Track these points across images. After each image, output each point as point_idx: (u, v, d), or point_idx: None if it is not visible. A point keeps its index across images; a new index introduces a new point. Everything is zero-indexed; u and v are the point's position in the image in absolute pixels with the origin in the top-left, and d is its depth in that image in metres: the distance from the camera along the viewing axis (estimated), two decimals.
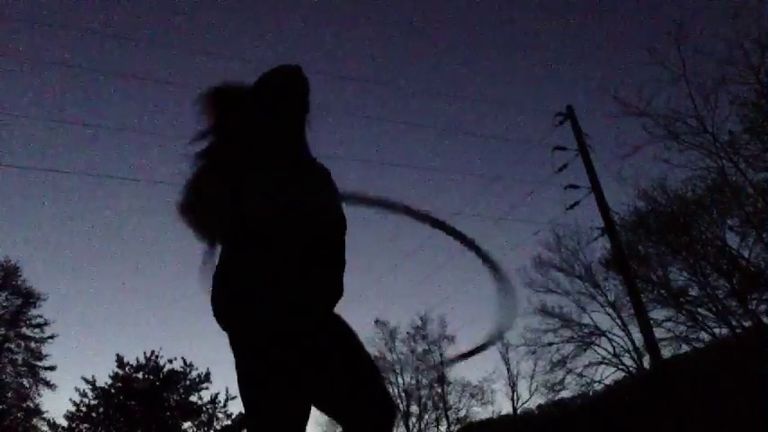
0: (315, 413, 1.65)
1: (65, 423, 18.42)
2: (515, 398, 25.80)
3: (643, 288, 16.67)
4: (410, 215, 2.26)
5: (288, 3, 52.58)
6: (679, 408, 11.65)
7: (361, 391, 1.60)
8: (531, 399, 25.11)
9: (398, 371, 28.72)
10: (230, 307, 1.60)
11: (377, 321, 28.86)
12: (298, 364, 1.53)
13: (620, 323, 19.78)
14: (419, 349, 28.50)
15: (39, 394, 21.79)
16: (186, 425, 19.12)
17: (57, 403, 50.56)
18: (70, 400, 18.52)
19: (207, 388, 19.46)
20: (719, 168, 14.79)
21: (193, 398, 19.38)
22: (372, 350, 28.57)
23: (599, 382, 20.34)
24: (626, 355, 19.71)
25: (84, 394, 18.61)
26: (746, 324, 15.94)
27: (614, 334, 20.09)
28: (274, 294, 1.54)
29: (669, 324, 17.69)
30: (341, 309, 1.79)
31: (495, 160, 40.57)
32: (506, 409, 30.50)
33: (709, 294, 16.71)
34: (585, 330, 20.83)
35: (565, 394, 21.94)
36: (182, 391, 19.36)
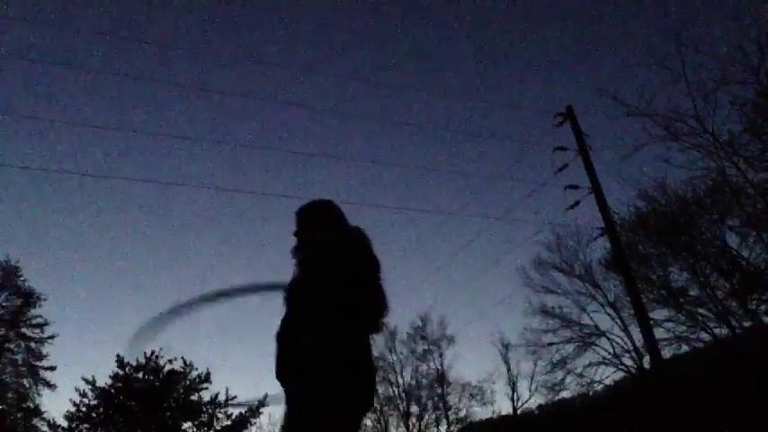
0: None
1: (65, 423, 18.39)
2: (515, 398, 25.80)
3: (643, 288, 16.66)
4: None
5: (288, 2, 52.58)
6: (679, 408, 11.64)
7: None
8: (531, 399, 25.11)
9: (398, 371, 28.74)
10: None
11: None
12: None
13: (620, 323, 19.78)
14: (419, 349, 28.50)
15: (39, 394, 21.73)
16: (186, 425, 19.09)
17: (57, 403, 50.52)
18: (70, 400, 18.46)
19: (207, 388, 19.40)
20: (719, 168, 14.79)
21: (193, 398, 19.36)
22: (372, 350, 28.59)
23: (599, 382, 20.35)
24: (626, 355, 19.71)
25: (84, 394, 18.57)
26: (746, 324, 15.93)
27: (614, 334, 20.10)
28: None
29: (669, 324, 17.70)
30: None
31: (495, 160, 40.59)
32: (506, 409, 30.52)
33: (710, 294, 16.69)
34: (585, 330, 20.84)
35: (565, 394, 21.94)
36: (182, 391, 19.33)
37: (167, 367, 19.31)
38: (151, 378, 19.02)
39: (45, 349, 22.07)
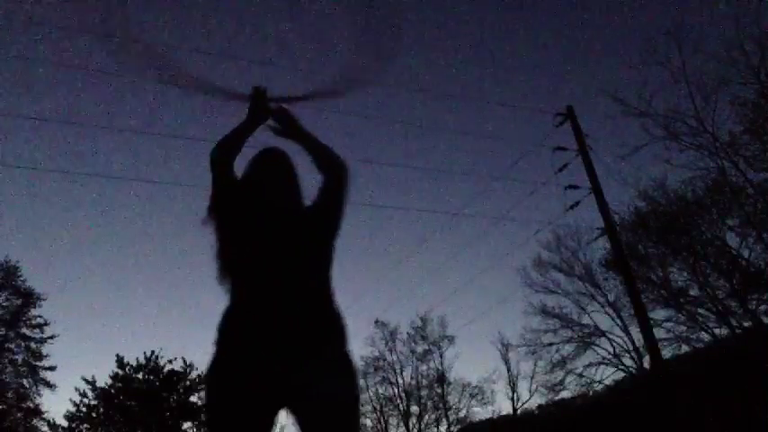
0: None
1: (65, 423, 18.42)
2: (515, 398, 25.80)
3: (643, 288, 16.64)
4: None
5: (282, 1, 52.63)
6: (679, 408, 11.65)
7: None
8: (531, 399, 25.11)
9: (398, 371, 28.76)
10: None
11: (377, 321, 28.88)
12: None
13: (620, 323, 19.76)
14: (419, 349, 28.51)
15: (39, 394, 21.73)
16: (186, 425, 19.13)
17: (57, 403, 50.62)
18: (70, 400, 18.54)
19: None
20: (719, 168, 14.80)
21: (193, 398, 19.39)
22: (372, 350, 28.63)
23: (599, 382, 20.33)
24: (626, 355, 19.69)
25: (84, 394, 18.62)
26: (746, 324, 15.93)
27: (614, 334, 20.07)
28: None
29: (669, 324, 17.68)
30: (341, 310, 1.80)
31: (495, 160, 40.59)
32: (506, 409, 30.53)
33: (710, 294, 16.68)
34: (585, 331, 20.82)
35: (565, 394, 21.93)
36: (182, 391, 19.36)
37: (167, 367, 19.38)
38: (151, 378, 19.06)
39: (45, 349, 22.09)
